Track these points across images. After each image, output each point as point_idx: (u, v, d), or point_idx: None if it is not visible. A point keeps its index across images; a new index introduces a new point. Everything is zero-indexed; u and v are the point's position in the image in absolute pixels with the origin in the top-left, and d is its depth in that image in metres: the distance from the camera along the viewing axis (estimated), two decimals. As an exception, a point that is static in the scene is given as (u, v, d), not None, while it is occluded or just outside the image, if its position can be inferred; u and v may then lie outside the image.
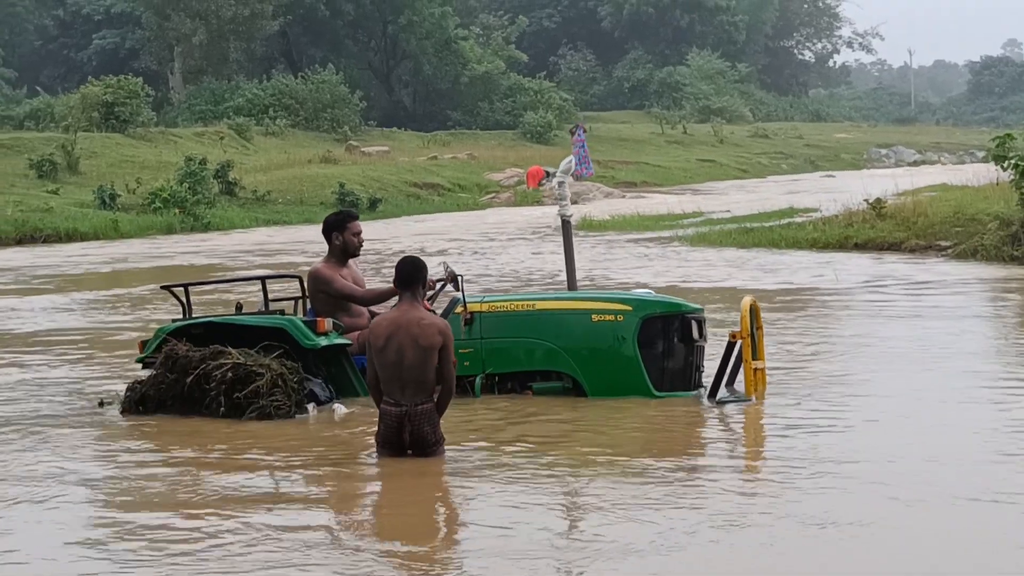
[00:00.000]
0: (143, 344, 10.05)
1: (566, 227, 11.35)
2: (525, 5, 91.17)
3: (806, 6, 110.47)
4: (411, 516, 6.98)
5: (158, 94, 60.37)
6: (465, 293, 9.88)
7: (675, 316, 9.79)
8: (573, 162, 11.81)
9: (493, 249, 26.25)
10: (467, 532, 6.64)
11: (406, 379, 7.77)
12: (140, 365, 9.98)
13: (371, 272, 19.90)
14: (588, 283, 17.68)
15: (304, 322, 9.69)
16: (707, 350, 10.17)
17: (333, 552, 6.25)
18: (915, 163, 66.85)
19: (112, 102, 48.53)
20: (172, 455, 8.40)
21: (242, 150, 50.47)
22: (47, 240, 31.90)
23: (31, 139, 44.93)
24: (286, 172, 44.48)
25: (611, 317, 9.72)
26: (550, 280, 19.10)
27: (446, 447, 7.95)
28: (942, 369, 11.02)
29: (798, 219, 27.03)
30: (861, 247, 22.20)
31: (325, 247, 10.21)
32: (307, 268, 10.76)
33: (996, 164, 21.61)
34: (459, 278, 9.81)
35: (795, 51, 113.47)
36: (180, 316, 10.11)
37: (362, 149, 54.00)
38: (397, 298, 8.06)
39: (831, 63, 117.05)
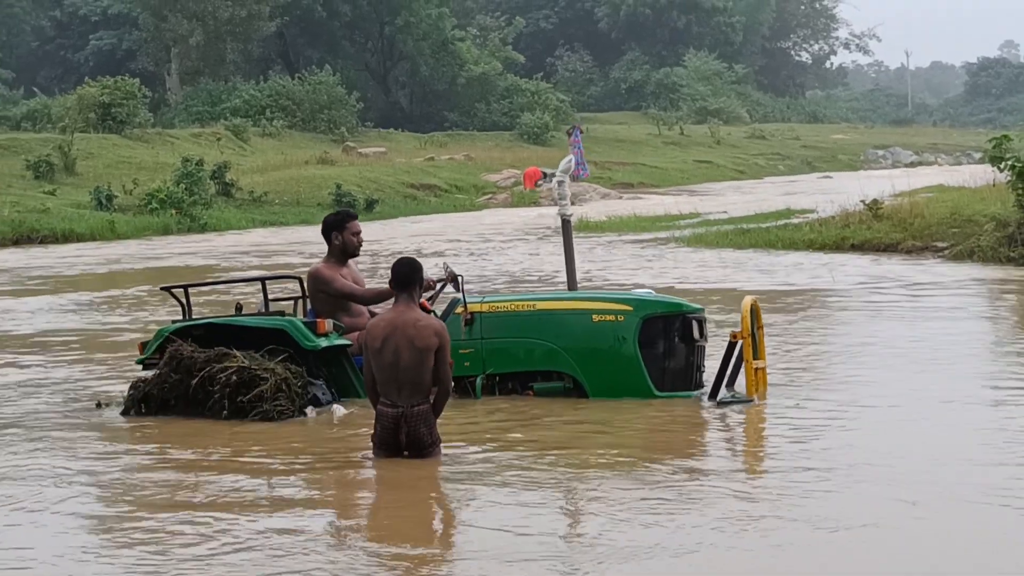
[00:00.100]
0: (143, 345, 10.04)
1: (566, 227, 11.33)
2: (522, 6, 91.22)
3: (803, 7, 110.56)
4: (411, 517, 6.96)
5: (155, 95, 60.31)
6: (465, 293, 9.88)
7: (676, 316, 9.78)
8: (573, 162, 11.80)
9: (491, 250, 26.24)
10: (467, 534, 6.62)
11: (402, 380, 7.77)
12: (140, 366, 9.96)
13: (367, 273, 19.87)
14: (587, 284, 17.67)
15: (304, 323, 9.68)
16: (707, 350, 10.17)
17: (333, 553, 6.23)
18: (912, 164, 66.86)
19: (109, 103, 48.53)
20: (171, 456, 8.38)
21: (239, 151, 50.46)
22: (43, 241, 31.87)
23: (28, 140, 44.90)
24: (283, 173, 44.48)
25: (612, 317, 9.72)
26: (550, 280, 19.10)
27: (443, 448, 7.94)
28: (942, 369, 11.03)
29: (795, 220, 27.06)
30: (858, 248, 22.20)
31: (321, 248, 10.20)
32: (304, 269, 10.77)
33: (993, 165, 21.61)
34: (459, 278, 9.81)
35: (792, 52, 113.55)
36: (179, 317, 10.11)
37: (359, 150, 53.99)
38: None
39: (828, 64, 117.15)
